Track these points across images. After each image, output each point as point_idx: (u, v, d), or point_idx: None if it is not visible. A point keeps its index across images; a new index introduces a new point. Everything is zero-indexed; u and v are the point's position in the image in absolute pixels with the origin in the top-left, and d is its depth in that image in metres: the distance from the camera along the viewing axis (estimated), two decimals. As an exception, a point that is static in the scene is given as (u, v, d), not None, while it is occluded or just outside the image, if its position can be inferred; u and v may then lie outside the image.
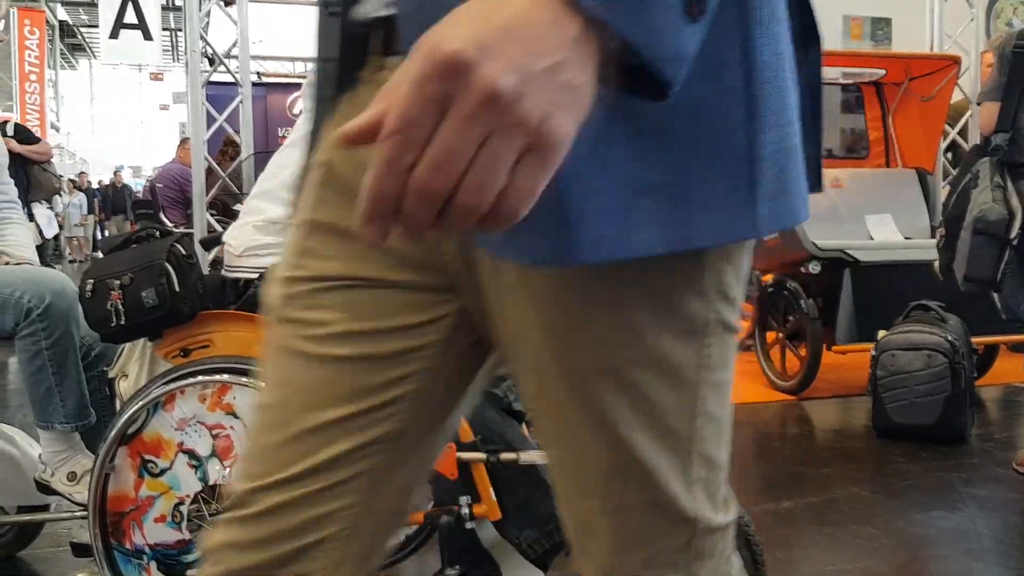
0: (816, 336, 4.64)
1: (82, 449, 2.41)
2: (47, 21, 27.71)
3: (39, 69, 20.03)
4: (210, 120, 6.53)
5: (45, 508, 2.60)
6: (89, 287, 2.02)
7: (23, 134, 7.17)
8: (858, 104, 6.32)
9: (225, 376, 1.97)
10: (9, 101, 21.48)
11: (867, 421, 4.25)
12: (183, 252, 2.06)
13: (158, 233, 2.15)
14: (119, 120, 48.19)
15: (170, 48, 37.44)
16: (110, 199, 19.72)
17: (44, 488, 2.41)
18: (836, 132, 6.74)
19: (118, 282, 2.00)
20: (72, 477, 2.37)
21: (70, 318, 2.31)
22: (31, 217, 7.65)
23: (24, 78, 19.65)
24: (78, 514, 2.37)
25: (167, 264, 2.00)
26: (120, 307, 1.99)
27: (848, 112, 6.89)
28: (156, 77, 38.35)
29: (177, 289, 1.99)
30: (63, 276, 2.41)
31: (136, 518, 2.02)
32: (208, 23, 7.51)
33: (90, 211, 19.67)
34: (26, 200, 7.18)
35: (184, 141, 8.40)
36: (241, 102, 6.23)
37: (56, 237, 16.53)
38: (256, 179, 3.25)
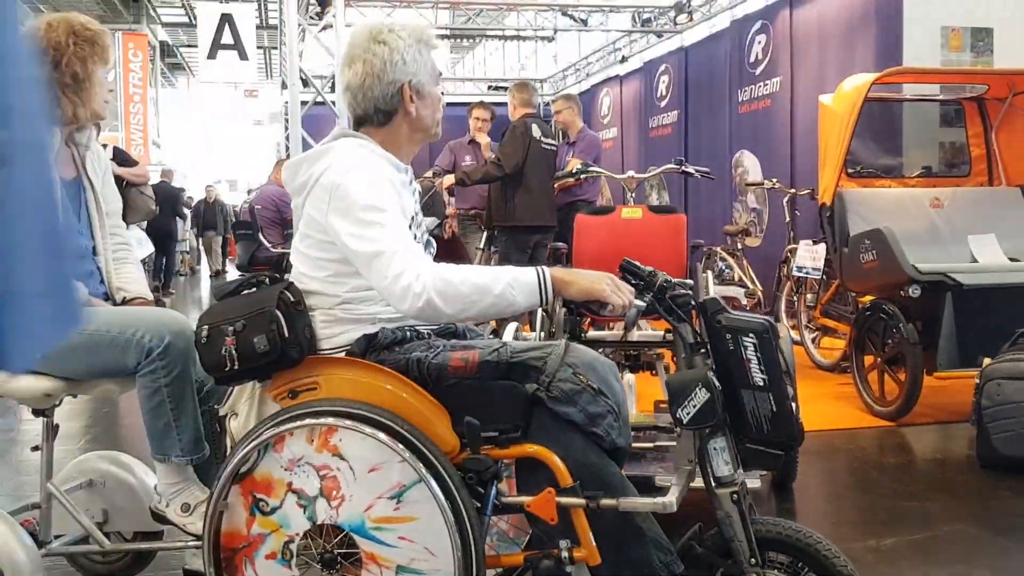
0: (916, 362, 4.53)
1: (196, 481, 2.51)
2: (150, 44, 28.78)
3: (142, 90, 20.81)
4: (305, 144, 6.68)
5: (159, 536, 2.72)
6: (204, 333, 2.10)
7: (121, 156, 7.48)
8: (957, 116, 6.15)
9: (331, 419, 2.02)
10: (115, 121, 22.36)
11: (970, 451, 4.14)
12: (292, 298, 2.12)
13: (267, 279, 2.22)
14: (215, 136, 49.69)
15: (264, 66, 38.56)
16: (202, 215, 20.04)
17: (159, 518, 2.52)
18: (935, 149, 6.58)
19: (231, 328, 2.06)
20: (186, 508, 2.47)
21: (188, 357, 2.41)
22: None
23: (128, 99, 20.42)
24: (191, 544, 2.47)
25: (277, 311, 2.05)
26: (233, 352, 2.06)
27: (948, 125, 6.72)
28: (251, 94, 39.44)
29: (286, 335, 2.05)
30: (182, 317, 2.50)
31: (248, 554, 2.09)
32: (303, 50, 7.74)
33: (194, 226, 20.23)
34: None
35: (280, 163, 8.62)
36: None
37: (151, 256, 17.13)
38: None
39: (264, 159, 40.65)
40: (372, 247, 2.00)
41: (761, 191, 8.30)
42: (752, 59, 8.71)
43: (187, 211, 20.16)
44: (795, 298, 6.91)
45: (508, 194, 6.13)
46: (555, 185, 6.55)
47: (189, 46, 39.03)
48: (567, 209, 6.62)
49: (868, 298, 5.14)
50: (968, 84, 5.57)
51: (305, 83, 12.29)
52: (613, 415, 2.05)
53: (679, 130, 10.22)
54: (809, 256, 6.14)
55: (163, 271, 14.07)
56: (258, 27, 22.65)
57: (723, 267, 8.25)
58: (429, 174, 6.78)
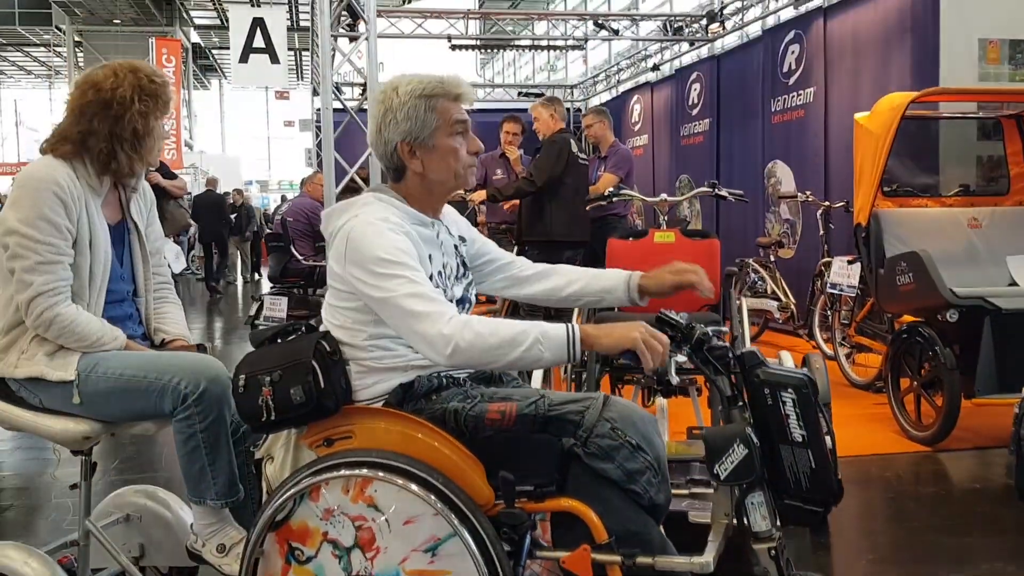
0: (953, 387, 4.47)
1: (231, 522, 2.53)
2: (182, 45, 29.06)
3: (175, 95, 20.99)
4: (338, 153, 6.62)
5: (195, 572, 2.74)
6: (241, 382, 2.11)
7: (163, 169, 7.56)
8: (995, 129, 6.06)
9: (365, 471, 2.03)
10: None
11: (1009, 480, 4.08)
12: (327, 348, 2.11)
13: (304, 328, 2.23)
14: (247, 137, 50.10)
15: (295, 67, 38.82)
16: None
17: (195, 556, 2.54)
18: (972, 166, 6.49)
19: (268, 378, 2.07)
20: (221, 549, 2.49)
21: (223, 403, 2.43)
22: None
23: (162, 104, 20.63)
24: (227, 583, 2.48)
25: (313, 362, 2.05)
26: (270, 403, 2.07)
27: (986, 138, 6.62)
28: (282, 96, 39.77)
29: (323, 386, 2.05)
30: (217, 363, 2.52)
31: (284, 603, 2.11)
32: (334, 55, 7.76)
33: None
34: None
35: (312, 176, 8.65)
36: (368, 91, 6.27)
37: (185, 269, 17.28)
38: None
39: (295, 161, 41.00)
40: (390, 296, 2.01)
41: (794, 203, 8.23)
42: (785, 69, 8.64)
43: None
44: (829, 313, 6.85)
45: (544, 208, 6.09)
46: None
47: (221, 48, 39.53)
48: (599, 223, 6.60)
49: (904, 319, 5.08)
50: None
51: (339, 89, 12.39)
52: (652, 471, 2.03)
53: (711, 139, 10.16)
54: (844, 274, 6.09)
55: (214, 274, 15.47)
56: (289, 29, 22.89)
57: (756, 279, 8.19)
58: (461, 190, 6.78)
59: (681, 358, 2.01)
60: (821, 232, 7.43)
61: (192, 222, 8.67)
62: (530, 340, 1.97)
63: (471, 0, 14.46)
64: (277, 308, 7.65)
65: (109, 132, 2.46)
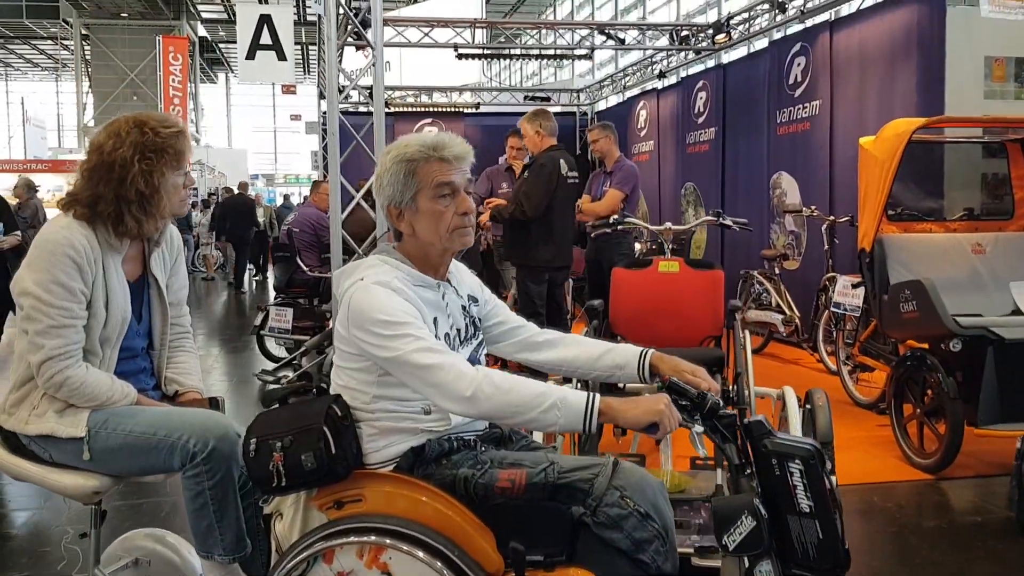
0: (956, 417, 4.49)
1: (240, 575, 2.57)
2: (189, 39, 29.05)
3: (182, 93, 21.03)
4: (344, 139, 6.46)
5: (204, 621, 2.78)
6: (252, 446, 2.12)
7: None
8: (1001, 149, 6.06)
9: (374, 537, 2.05)
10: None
11: (1010, 511, 4.10)
12: (339, 413, 2.12)
13: (315, 390, 2.26)
14: (254, 131, 50.13)
15: (301, 61, 38.81)
16: (219, 219, 19.92)
17: None
18: (977, 190, 6.49)
19: (279, 444, 2.08)
20: None
21: (231, 460, 2.46)
22: None
23: (168, 102, 20.66)
24: (236, 634, 2.52)
25: (325, 428, 2.06)
26: (281, 469, 2.08)
27: (991, 156, 6.63)
28: (288, 90, 39.73)
29: (334, 452, 2.06)
30: (226, 421, 2.54)
31: (297, 665, 2.13)
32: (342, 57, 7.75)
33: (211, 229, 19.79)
34: None
35: (318, 186, 8.64)
36: (374, 123, 6.09)
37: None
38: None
39: (301, 155, 40.98)
40: (399, 354, 2.02)
41: (799, 216, 8.25)
42: (791, 81, 8.65)
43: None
44: (833, 328, 6.87)
45: (529, 232, 5.97)
46: (590, 222, 6.54)
47: (228, 42, 39.53)
48: (603, 238, 6.61)
49: (906, 346, 5.10)
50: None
51: (341, 90, 12.40)
52: (660, 540, 2.05)
53: (717, 147, 10.18)
54: (848, 294, 6.11)
55: (237, 273, 16.27)
56: (296, 23, 22.89)
57: (761, 291, 8.22)
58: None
59: (699, 429, 2.02)
60: (826, 247, 7.45)
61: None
62: (548, 403, 1.98)
63: (477, 8, 14.46)
64: (282, 319, 7.68)
65: (115, 195, 2.46)
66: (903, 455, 4.94)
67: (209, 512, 2.47)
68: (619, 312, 4.36)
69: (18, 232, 5.26)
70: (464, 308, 2.35)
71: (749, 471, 2.01)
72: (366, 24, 7.66)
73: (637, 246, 9.12)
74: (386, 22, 9.89)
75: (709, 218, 4.85)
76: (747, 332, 4.13)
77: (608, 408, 1.98)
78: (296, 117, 43.26)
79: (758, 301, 8.28)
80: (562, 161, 6.03)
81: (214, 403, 2.74)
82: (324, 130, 12.66)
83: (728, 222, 4.71)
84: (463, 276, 2.44)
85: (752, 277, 8.32)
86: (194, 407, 2.68)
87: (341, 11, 6.67)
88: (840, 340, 6.56)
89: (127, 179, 2.45)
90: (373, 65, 5.43)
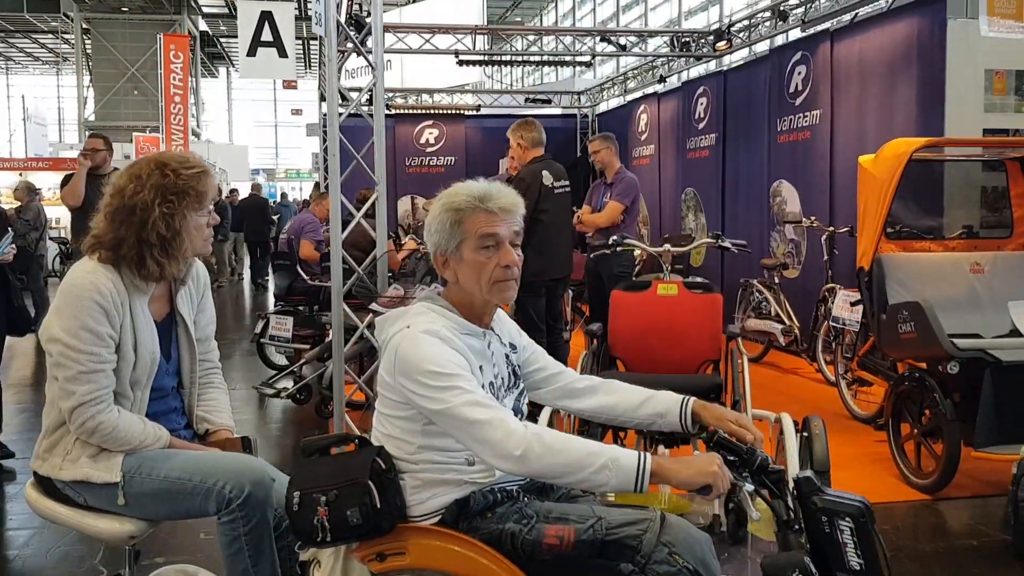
0: (953, 439, 4.50)
1: None
2: (190, 36, 29.01)
3: (183, 91, 21.01)
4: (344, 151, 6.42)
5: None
6: (296, 499, 2.08)
7: None
8: (1001, 163, 6.07)
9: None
10: (157, 121, 22.62)
11: (1006, 534, 4.11)
12: (383, 466, 2.09)
13: (357, 440, 2.19)
14: (255, 125, 50.10)
15: (303, 55, 38.77)
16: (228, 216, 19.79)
17: None
18: (976, 208, 6.49)
19: (324, 498, 2.04)
20: None
21: (266, 505, 2.45)
22: None
23: (169, 100, 20.65)
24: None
25: (370, 482, 2.04)
26: (326, 523, 2.05)
27: (991, 170, 6.62)
28: (289, 85, 39.81)
29: (379, 506, 2.03)
30: (260, 465, 2.52)
31: None
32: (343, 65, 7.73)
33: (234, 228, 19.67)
34: None
35: (321, 198, 8.66)
36: (374, 147, 6.08)
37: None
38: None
39: (302, 151, 40.93)
40: (447, 407, 1.99)
41: (799, 225, 8.26)
42: (792, 89, 8.64)
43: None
44: (832, 340, 6.88)
45: (524, 253, 5.94)
46: (589, 233, 6.54)
47: (229, 36, 39.49)
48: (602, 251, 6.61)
49: (904, 366, 5.11)
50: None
51: (344, 97, 12.40)
52: None
53: (717, 153, 10.17)
54: (847, 309, 6.12)
55: (260, 272, 16.88)
56: (297, 19, 22.87)
57: (760, 300, 8.24)
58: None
59: (750, 488, 1.98)
60: (825, 257, 7.46)
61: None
62: (599, 463, 1.93)
63: (478, 14, 14.45)
64: (283, 327, 7.69)
65: (136, 238, 2.44)
66: (900, 474, 4.96)
67: (244, 557, 2.46)
68: (618, 334, 4.38)
69: (13, 245, 5.21)
70: (507, 356, 2.34)
71: (797, 527, 1.97)
72: (365, 30, 7.65)
73: (636, 252, 9.14)
74: (387, 28, 9.89)
75: (708, 240, 4.86)
76: (745, 357, 4.14)
77: (660, 469, 1.93)
78: (297, 112, 43.37)
79: (758, 310, 8.29)
80: (545, 172, 5.98)
81: (246, 444, 2.72)
82: (325, 132, 12.67)
83: (727, 244, 4.72)
84: (504, 323, 2.43)
85: (752, 286, 8.34)
86: (226, 447, 2.67)
87: (342, 33, 6.63)
88: (839, 353, 6.57)
89: (148, 223, 2.44)
90: (373, 87, 5.42)
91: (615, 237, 5.18)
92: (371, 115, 5.95)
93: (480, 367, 2.17)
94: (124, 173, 2.53)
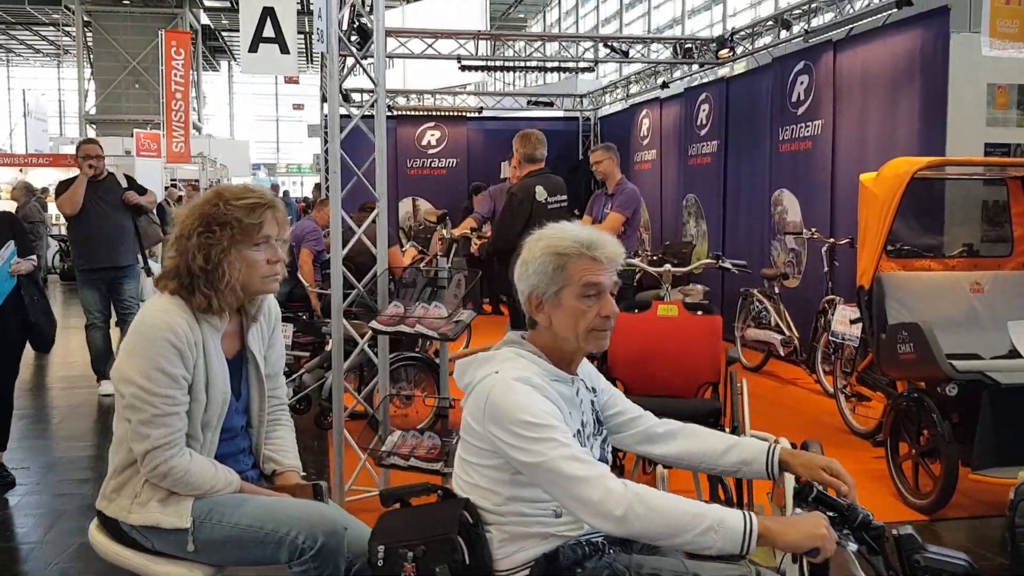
0: (951, 460, 4.51)
1: None
2: (191, 32, 28.98)
3: (184, 87, 20.99)
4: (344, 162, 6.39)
5: None
6: (380, 554, 2.02)
7: (133, 185, 7.64)
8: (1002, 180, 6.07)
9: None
10: (158, 117, 22.60)
11: (1003, 557, 4.11)
12: (470, 520, 2.03)
13: (440, 491, 2.13)
14: (256, 119, 50.09)
15: (304, 50, 38.75)
16: None
17: None
18: (976, 226, 6.49)
19: (411, 554, 1.98)
20: None
21: (339, 555, 2.38)
22: (148, 272, 8.14)
23: (171, 96, 20.63)
24: None
25: (459, 538, 1.97)
26: None
27: (992, 183, 6.63)
28: (291, 80, 39.75)
29: (468, 562, 1.98)
30: (333, 513, 2.47)
31: None
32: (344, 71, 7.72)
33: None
34: (141, 248, 7.68)
35: (323, 203, 8.63)
36: (376, 159, 6.06)
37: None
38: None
39: (303, 146, 40.90)
40: (543, 460, 1.92)
41: (800, 233, 8.26)
42: (794, 99, 8.64)
43: None
44: (831, 353, 6.89)
45: (509, 266, 5.94)
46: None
47: (231, 30, 39.46)
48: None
49: (903, 385, 5.12)
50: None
51: (346, 97, 12.40)
52: None
53: (719, 161, 10.17)
54: (846, 324, 6.13)
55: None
56: (299, 12, 22.88)
57: (760, 309, 8.25)
58: (468, 231, 6.82)
59: (854, 547, 1.94)
60: (826, 268, 7.47)
61: (163, 236, 8.84)
62: (704, 525, 1.85)
63: (481, 13, 14.43)
64: (283, 334, 7.70)
65: (186, 268, 2.41)
66: (898, 493, 4.96)
67: None
68: (617, 355, 4.38)
69: (34, 257, 5.01)
70: (592, 402, 2.28)
71: None
72: (367, 46, 7.61)
73: (636, 260, 9.13)
74: (389, 32, 9.87)
75: (709, 261, 4.87)
76: (744, 381, 4.14)
77: (767, 531, 1.85)
78: (299, 107, 43.35)
79: (757, 320, 8.31)
80: (539, 188, 5.98)
81: (317, 490, 2.62)
82: (327, 133, 12.67)
83: (727, 265, 4.73)
84: (585, 365, 2.35)
85: (752, 295, 8.35)
86: (296, 493, 2.61)
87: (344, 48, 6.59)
88: (838, 367, 6.58)
89: (188, 252, 2.40)
90: (375, 102, 5.41)
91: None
92: (373, 131, 5.95)
93: (570, 413, 2.11)
94: (183, 210, 2.50)
